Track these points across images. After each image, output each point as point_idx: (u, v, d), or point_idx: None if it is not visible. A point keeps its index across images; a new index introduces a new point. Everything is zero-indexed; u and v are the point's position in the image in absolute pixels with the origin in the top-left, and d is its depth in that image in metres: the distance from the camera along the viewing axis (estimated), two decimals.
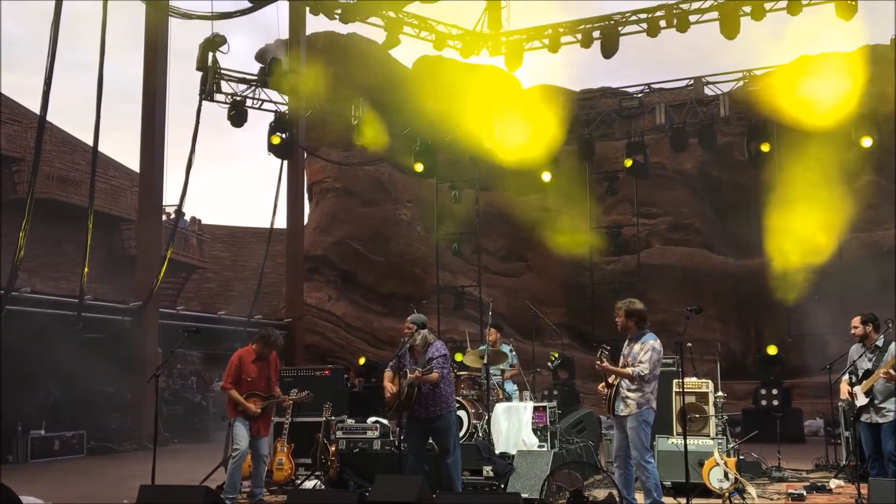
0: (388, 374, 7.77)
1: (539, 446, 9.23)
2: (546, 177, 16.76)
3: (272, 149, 14.98)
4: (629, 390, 6.88)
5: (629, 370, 6.87)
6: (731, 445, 8.55)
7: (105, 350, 15.38)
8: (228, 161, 51.47)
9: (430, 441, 7.90)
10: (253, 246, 26.62)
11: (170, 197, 19.18)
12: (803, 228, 15.49)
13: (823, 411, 12.96)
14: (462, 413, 9.16)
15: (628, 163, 16.28)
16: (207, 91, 14.34)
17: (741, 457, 9.06)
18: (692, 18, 15.41)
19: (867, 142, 14.08)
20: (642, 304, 7.17)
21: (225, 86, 14.57)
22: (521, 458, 8.61)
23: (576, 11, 16.79)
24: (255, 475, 8.36)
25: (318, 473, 9.33)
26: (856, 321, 8.09)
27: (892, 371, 7.57)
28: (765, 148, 14.89)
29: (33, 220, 13.42)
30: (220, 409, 9.50)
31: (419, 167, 16.30)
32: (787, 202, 15.73)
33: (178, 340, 8.48)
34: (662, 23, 15.63)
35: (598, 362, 7.00)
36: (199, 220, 26.41)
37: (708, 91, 15.40)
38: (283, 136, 15.02)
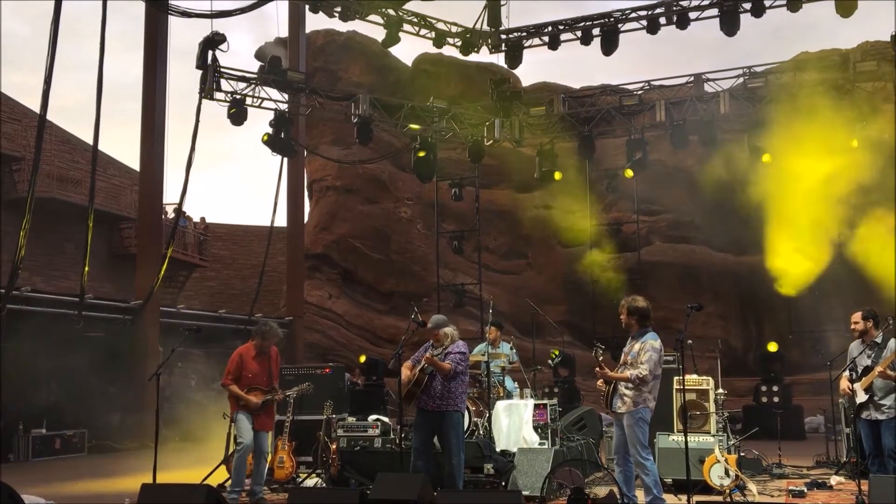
0: (408, 363, 7.79)
1: (540, 444, 9.24)
2: (557, 176, 16.81)
3: (270, 144, 14.92)
4: (626, 388, 6.88)
5: (629, 373, 6.83)
6: (732, 442, 8.56)
7: (106, 349, 15.39)
8: (228, 159, 51.41)
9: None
10: (253, 244, 26.63)
11: (170, 195, 19.22)
12: (803, 225, 15.49)
13: (824, 408, 12.96)
14: None
15: (629, 173, 16.39)
16: (207, 89, 14.32)
17: (742, 454, 9.07)
18: (692, 16, 15.44)
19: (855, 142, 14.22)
20: (645, 302, 7.11)
21: (225, 84, 14.53)
22: (521, 455, 8.62)
23: (576, 9, 16.82)
24: (255, 472, 8.38)
25: (319, 471, 9.35)
26: (856, 317, 8.08)
27: (888, 371, 7.57)
28: (766, 159, 14.92)
29: (34, 219, 13.42)
30: (221, 407, 9.50)
31: (422, 153, 16.15)
32: (788, 199, 15.73)
33: (178, 339, 8.48)
34: (662, 20, 15.66)
35: (598, 368, 6.98)
36: (204, 219, 26.44)
37: (708, 88, 15.38)
38: (281, 134, 14.99)
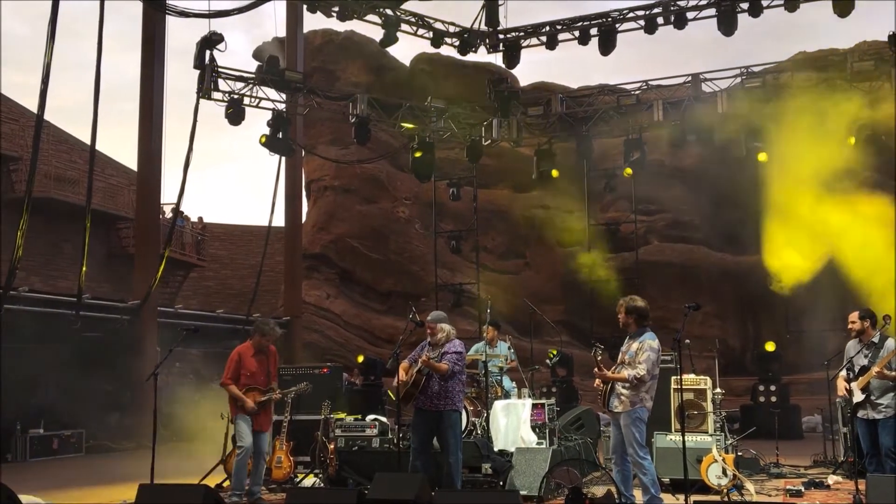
0: (404, 363, 7.79)
1: (538, 443, 9.24)
2: (555, 173, 16.81)
3: (268, 144, 14.90)
4: (624, 388, 6.87)
5: (626, 373, 6.82)
6: (730, 442, 8.55)
7: (103, 349, 15.38)
8: (226, 159, 51.45)
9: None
10: (251, 244, 26.62)
11: (168, 195, 19.20)
12: (800, 224, 15.49)
13: (821, 407, 12.97)
14: None
15: (628, 172, 16.41)
16: (205, 89, 14.31)
17: (739, 453, 9.07)
18: (690, 15, 15.45)
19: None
20: (644, 302, 7.09)
21: (222, 84, 14.53)
22: (519, 455, 8.61)
23: (573, 9, 16.84)
24: (254, 472, 8.38)
25: (317, 471, 9.34)
26: (853, 317, 8.08)
27: (884, 370, 7.58)
28: (763, 158, 14.95)
29: (31, 219, 13.41)
30: (218, 407, 9.51)
31: (420, 153, 16.14)
32: (785, 198, 15.73)
33: (176, 339, 8.48)
34: (660, 20, 15.68)
35: (596, 369, 6.98)
36: (202, 219, 26.43)
37: (706, 88, 15.39)
38: (279, 134, 14.98)
